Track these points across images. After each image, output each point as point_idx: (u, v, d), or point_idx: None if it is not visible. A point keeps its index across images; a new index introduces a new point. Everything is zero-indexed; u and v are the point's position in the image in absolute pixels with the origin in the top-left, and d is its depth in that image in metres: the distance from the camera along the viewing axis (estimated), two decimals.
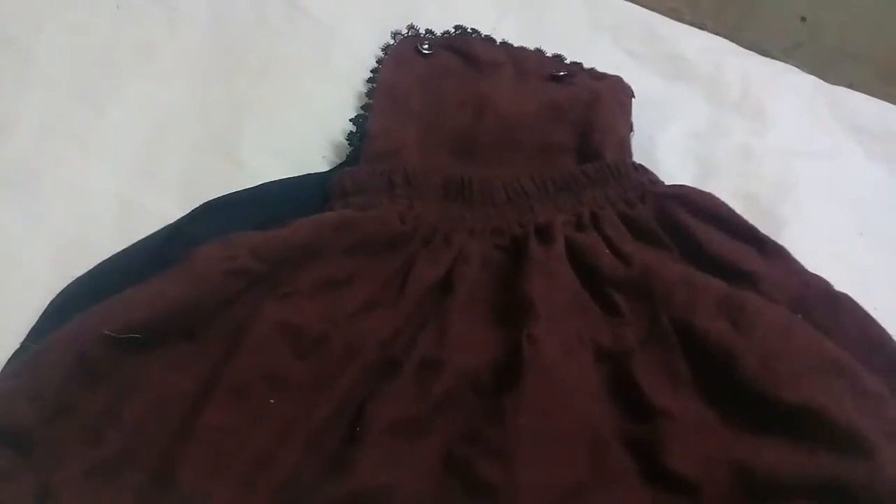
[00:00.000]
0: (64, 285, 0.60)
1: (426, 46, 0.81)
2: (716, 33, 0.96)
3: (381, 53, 0.81)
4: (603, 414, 0.57)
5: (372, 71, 0.79)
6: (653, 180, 0.72)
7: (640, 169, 0.73)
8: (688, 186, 0.72)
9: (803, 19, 1.02)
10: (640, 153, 0.77)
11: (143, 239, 0.63)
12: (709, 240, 0.66)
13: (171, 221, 0.65)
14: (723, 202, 0.70)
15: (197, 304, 0.56)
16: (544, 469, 0.52)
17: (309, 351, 0.56)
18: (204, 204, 0.65)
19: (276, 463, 0.51)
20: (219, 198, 0.66)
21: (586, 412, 0.56)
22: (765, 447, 0.54)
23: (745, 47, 0.94)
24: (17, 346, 0.56)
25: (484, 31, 0.85)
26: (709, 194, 0.70)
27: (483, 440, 0.54)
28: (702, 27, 0.97)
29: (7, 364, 0.55)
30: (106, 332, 0.52)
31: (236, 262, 0.58)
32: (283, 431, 0.52)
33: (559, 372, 0.57)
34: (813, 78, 0.90)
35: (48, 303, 0.59)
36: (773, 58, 0.93)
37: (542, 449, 0.53)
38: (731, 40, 0.94)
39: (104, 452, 0.50)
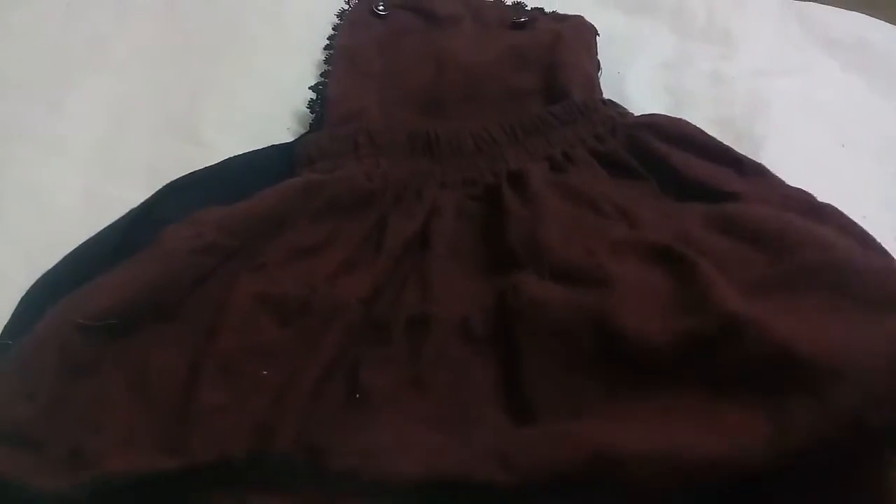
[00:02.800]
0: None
1: (381, 7, 0.80)
2: None
3: (336, 20, 0.80)
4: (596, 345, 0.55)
5: (328, 38, 0.78)
6: (622, 113, 0.70)
7: (609, 104, 0.71)
8: (658, 114, 0.71)
9: None
10: (611, 90, 0.76)
11: (110, 225, 0.61)
12: (685, 165, 0.65)
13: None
14: (695, 126, 0.68)
15: (169, 284, 0.55)
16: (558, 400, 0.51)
17: (292, 318, 0.55)
18: (168, 184, 0.64)
19: (278, 433, 0.50)
20: (183, 177, 0.64)
21: (577, 345, 0.54)
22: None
23: None
24: None
25: None
26: (680, 120, 0.69)
27: (483, 387, 0.53)
28: None
29: None
30: (81, 320, 0.52)
31: (204, 239, 0.57)
32: (278, 401, 0.51)
33: (548, 310, 0.54)
34: None
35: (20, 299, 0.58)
36: None
37: (550, 387, 0.52)
38: None
39: (112, 432, 0.50)
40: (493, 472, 0.46)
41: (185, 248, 0.56)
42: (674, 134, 0.67)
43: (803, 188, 0.65)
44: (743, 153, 0.68)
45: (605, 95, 0.74)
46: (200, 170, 0.65)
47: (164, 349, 0.54)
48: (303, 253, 0.59)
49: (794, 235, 0.56)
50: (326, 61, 0.76)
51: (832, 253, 0.53)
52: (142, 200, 0.65)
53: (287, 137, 0.72)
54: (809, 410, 0.45)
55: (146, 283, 0.55)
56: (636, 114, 0.72)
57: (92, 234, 0.63)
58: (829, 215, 0.63)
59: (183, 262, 0.56)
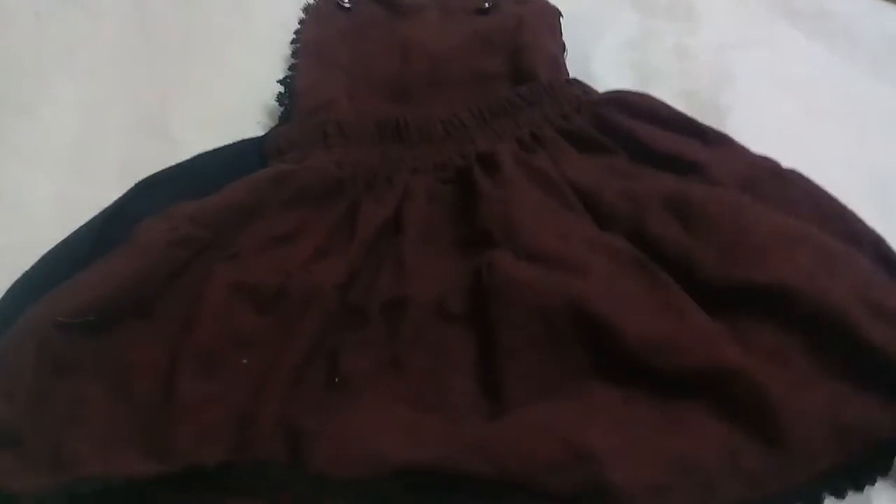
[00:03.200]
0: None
1: (346, 1, 0.80)
2: None
3: (302, 15, 0.81)
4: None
5: (295, 32, 0.79)
6: (587, 91, 0.71)
7: (574, 83, 0.72)
8: (622, 90, 0.71)
9: None
10: (577, 70, 0.77)
11: (84, 224, 0.62)
12: (650, 137, 0.66)
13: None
14: (659, 100, 0.69)
15: (145, 279, 0.56)
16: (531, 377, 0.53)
17: (268, 305, 0.56)
18: (140, 182, 0.64)
19: (259, 420, 0.51)
20: (154, 174, 0.65)
21: (551, 325, 0.55)
22: (742, 333, 0.54)
23: None
24: None
25: None
26: (644, 94, 0.70)
27: (461, 365, 0.54)
28: None
29: None
30: (59, 318, 0.52)
31: (178, 232, 0.58)
32: (259, 388, 0.52)
33: (524, 289, 0.56)
34: None
35: None
36: None
37: (521, 365, 0.53)
38: None
39: (91, 431, 0.50)
40: (474, 463, 0.48)
41: (160, 242, 0.57)
42: (638, 108, 0.68)
43: (769, 156, 0.66)
44: (709, 124, 0.69)
45: (573, 76, 0.75)
46: (172, 166, 0.66)
47: (143, 344, 0.54)
48: (276, 241, 0.60)
49: (745, 237, 0.57)
50: (293, 54, 0.77)
51: (781, 277, 0.55)
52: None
53: (258, 132, 0.73)
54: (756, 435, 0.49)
55: (123, 279, 0.55)
56: (604, 91, 0.73)
57: (65, 235, 0.64)
58: (793, 181, 0.64)
59: (158, 256, 0.57)
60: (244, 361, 0.54)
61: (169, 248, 0.57)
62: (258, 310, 0.56)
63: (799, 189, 0.63)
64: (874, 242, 0.60)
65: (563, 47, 0.79)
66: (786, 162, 0.66)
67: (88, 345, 0.53)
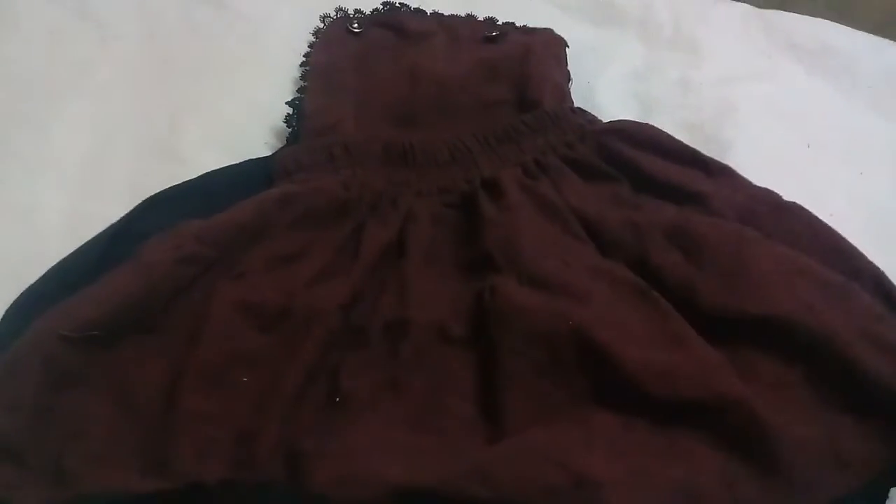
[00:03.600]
0: None
1: (356, 25, 0.82)
2: None
3: (312, 38, 0.82)
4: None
5: (304, 55, 0.80)
6: (591, 120, 0.72)
7: (578, 112, 0.73)
8: (626, 120, 0.73)
9: None
10: (582, 100, 0.78)
11: (91, 239, 0.63)
12: (653, 167, 0.67)
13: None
14: (662, 131, 0.71)
15: (150, 295, 0.56)
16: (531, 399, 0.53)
17: (271, 324, 0.57)
18: (147, 199, 0.65)
19: (260, 439, 0.51)
20: (162, 191, 0.66)
21: (552, 351, 0.55)
22: (742, 363, 0.54)
23: None
24: None
25: (413, 4, 0.86)
26: (647, 125, 0.71)
27: (461, 387, 0.54)
28: None
29: None
30: (65, 332, 0.53)
31: (184, 250, 0.58)
32: (260, 406, 0.52)
33: (526, 314, 0.56)
34: (743, 4, 0.91)
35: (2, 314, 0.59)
36: None
37: (521, 390, 0.54)
38: None
39: (92, 446, 0.50)
40: (473, 487, 0.48)
41: (166, 259, 0.58)
42: (641, 138, 0.69)
43: (771, 188, 0.67)
44: (711, 156, 0.70)
45: (578, 105, 0.76)
46: (179, 184, 0.67)
47: (147, 360, 0.55)
48: (281, 261, 0.60)
49: (746, 268, 0.58)
50: (302, 77, 0.78)
51: (781, 309, 0.55)
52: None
53: (266, 152, 0.74)
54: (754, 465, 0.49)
55: (128, 295, 0.56)
56: (607, 121, 0.74)
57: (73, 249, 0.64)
58: (794, 214, 0.65)
59: (164, 273, 0.57)
60: (245, 379, 0.54)
61: (174, 265, 0.58)
62: (261, 328, 0.57)
63: (800, 222, 0.64)
64: (874, 276, 0.60)
65: (568, 77, 0.80)
66: (787, 195, 0.66)
67: (92, 359, 0.54)
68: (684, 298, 0.58)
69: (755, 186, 0.67)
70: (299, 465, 0.50)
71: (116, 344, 0.55)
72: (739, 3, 0.91)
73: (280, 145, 0.75)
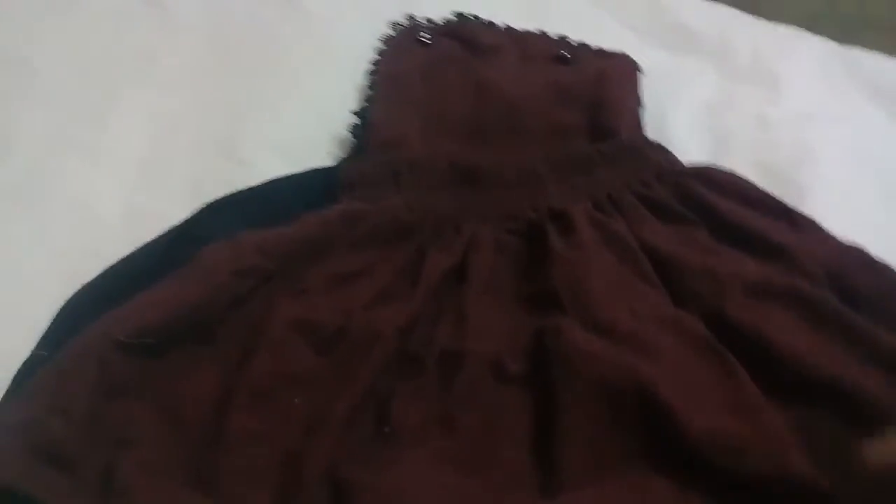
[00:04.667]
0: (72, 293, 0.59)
1: (426, 35, 0.80)
2: (731, 5, 0.93)
3: (381, 45, 0.80)
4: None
5: (372, 63, 0.78)
6: (670, 159, 0.70)
7: (657, 147, 0.71)
8: (707, 165, 0.70)
9: None
10: (653, 129, 0.76)
11: (150, 241, 0.62)
12: (736, 215, 0.65)
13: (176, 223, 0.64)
14: (745, 179, 0.68)
15: (208, 305, 0.55)
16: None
17: (327, 346, 0.55)
18: (209, 203, 0.64)
19: (307, 463, 0.50)
20: (224, 197, 0.65)
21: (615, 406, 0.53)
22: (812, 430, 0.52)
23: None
24: (27, 354, 0.55)
25: (485, 17, 0.84)
26: (730, 172, 0.69)
27: (514, 431, 0.53)
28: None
29: (19, 373, 0.54)
30: (121, 338, 0.52)
31: (245, 261, 0.57)
32: (310, 430, 0.51)
33: (591, 363, 0.54)
34: (826, 41, 0.88)
35: (57, 310, 0.58)
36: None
37: (579, 442, 0.52)
38: (747, 11, 0.92)
39: (142, 456, 0.49)
40: None
41: (227, 269, 0.56)
42: (724, 184, 0.67)
43: (854, 242, 0.64)
44: (785, 199, 0.67)
45: (648, 134, 0.74)
46: (241, 190, 0.66)
47: (200, 371, 0.54)
48: (341, 280, 0.59)
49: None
50: (370, 86, 0.76)
51: (864, 386, 0.53)
52: (181, 216, 0.65)
53: (326, 160, 0.72)
54: None
55: (186, 303, 0.55)
56: (677, 153, 0.72)
57: (130, 247, 0.63)
58: (884, 273, 0.62)
59: (223, 283, 0.56)
60: (297, 401, 0.53)
61: (234, 276, 0.56)
62: (317, 349, 0.55)
63: (890, 282, 0.61)
64: None
65: (640, 103, 0.77)
66: (863, 245, 0.64)
67: (145, 367, 0.53)
68: (761, 359, 0.55)
69: (842, 241, 0.64)
70: (344, 495, 0.49)
71: (170, 352, 0.54)
72: (822, 39, 0.88)
73: (341, 153, 0.73)
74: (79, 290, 0.59)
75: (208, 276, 0.56)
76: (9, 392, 0.53)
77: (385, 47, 0.79)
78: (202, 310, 0.55)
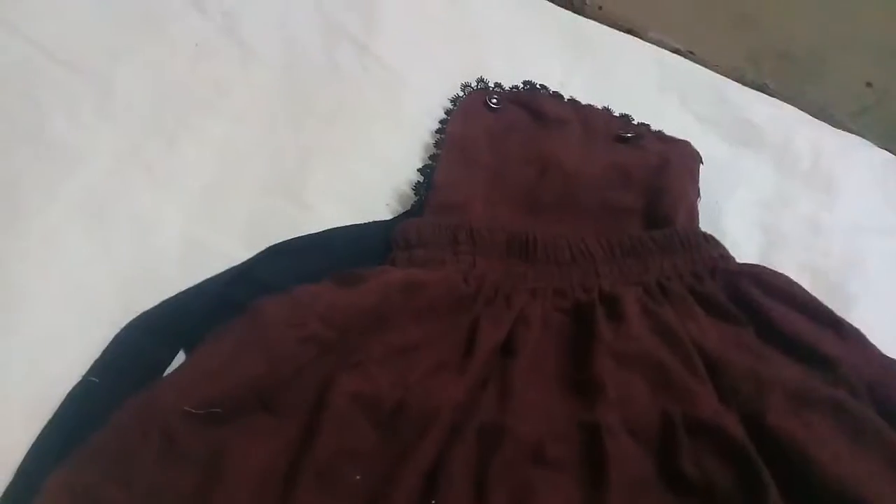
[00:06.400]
0: (127, 318, 0.60)
1: (495, 100, 0.81)
2: (778, 95, 0.95)
3: (449, 104, 0.81)
4: None
5: (441, 122, 0.80)
6: (724, 256, 0.70)
7: (711, 241, 0.71)
8: (761, 266, 0.70)
9: (869, 85, 1.00)
10: (706, 220, 0.76)
11: (209, 279, 0.63)
12: (784, 320, 0.65)
13: (235, 261, 0.65)
14: (797, 284, 0.68)
15: (271, 375, 0.55)
16: None
17: (385, 421, 0.56)
18: (270, 247, 0.65)
19: None
20: (284, 242, 0.66)
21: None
22: None
23: (810, 111, 0.92)
24: (79, 377, 0.56)
25: (552, 87, 0.85)
26: (783, 275, 0.69)
27: None
28: (762, 88, 0.96)
29: (69, 397, 0.55)
30: (188, 408, 0.52)
31: (307, 329, 0.57)
32: None
33: (633, 466, 0.55)
34: (885, 153, 0.89)
35: (112, 336, 0.59)
36: (838, 121, 0.92)
37: None
38: (795, 103, 0.93)
39: None
40: None
41: (290, 339, 0.57)
42: (776, 287, 0.67)
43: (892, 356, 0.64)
44: (832, 308, 0.68)
45: (701, 225, 0.75)
46: (302, 237, 0.67)
47: (265, 444, 0.53)
48: (400, 352, 0.59)
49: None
50: (436, 145, 0.77)
51: None
52: (236, 250, 0.67)
53: (385, 213, 0.73)
54: None
55: (251, 373, 0.55)
56: (729, 247, 0.72)
57: (185, 275, 0.64)
58: None
59: (287, 352, 0.56)
60: (357, 478, 0.53)
61: (297, 345, 0.57)
62: (374, 424, 0.55)
63: None
64: None
65: (698, 193, 0.78)
66: None
67: (209, 436, 0.52)
68: (798, 466, 0.55)
69: (887, 357, 0.64)
70: None
71: (233, 421, 0.53)
72: (882, 150, 0.89)
73: (400, 207, 0.74)
74: (135, 319, 0.60)
75: (273, 345, 0.56)
76: (57, 418, 0.53)
77: (454, 108, 0.81)
78: (266, 380, 0.55)
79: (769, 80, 0.98)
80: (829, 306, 0.68)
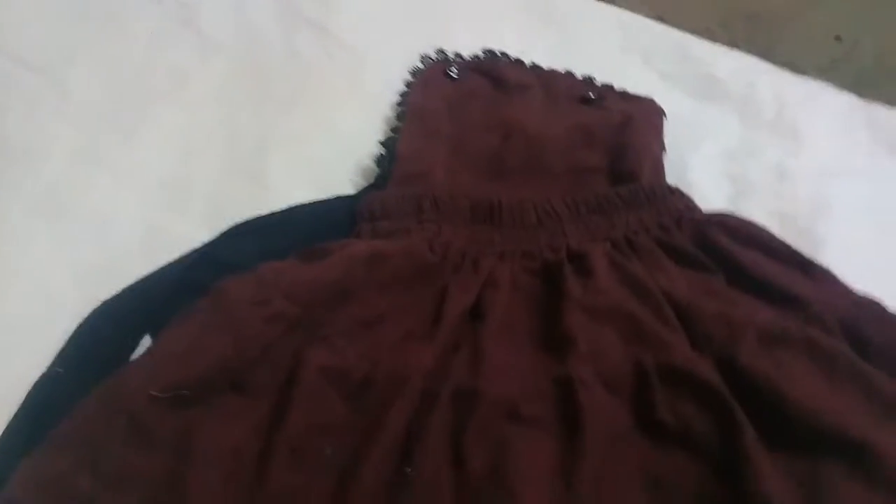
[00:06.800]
0: (90, 309, 0.60)
1: (455, 70, 0.81)
2: (749, 53, 0.94)
3: (410, 78, 0.81)
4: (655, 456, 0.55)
5: (401, 94, 0.79)
6: (690, 206, 0.70)
7: (677, 193, 0.71)
8: (728, 214, 0.70)
9: (838, 38, 1.00)
10: (673, 174, 0.76)
11: (171, 263, 0.62)
12: (753, 264, 0.65)
13: (198, 246, 0.64)
14: (765, 228, 0.68)
15: (239, 356, 0.55)
16: None
17: (354, 392, 0.56)
18: (231, 227, 0.65)
19: None
20: (246, 221, 0.65)
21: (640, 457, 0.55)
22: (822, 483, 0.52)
23: (779, 66, 0.92)
24: (43, 369, 0.56)
25: (513, 54, 0.85)
26: (750, 221, 0.69)
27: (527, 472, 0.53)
28: (734, 47, 0.96)
29: (34, 389, 0.54)
30: (154, 393, 0.51)
31: (272, 307, 0.57)
32: (342, 479, 0.51)
33: (609, 417, 0.56)
34: (849, 96, 0.88)
35: (75, 327, 0.59)
36: (807, 76, 0.92)
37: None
38: (765, 60, 0.93)
39: None
40: None
41: (255, 318, 0.56)
42: (744, 233, 0.67)
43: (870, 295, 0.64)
44: (802, 251, 0.68)
45: (668, 179, 0.74)
46: (264, 215, 0.66)
47: (234, 423, 0.53)
48: (367, 324, 0.59)
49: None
50: (397, 117, 0.77)
51: (873, 437, 0.53)
52: (202, 237, 0.66)
53: (349, 189, 0.73)
54: None
55: (218, 354, 0.55)
56: (697, 200, 0.72)
57: (149, 265, 0.64)
58: None
59: (253, 333, 0.56)
60: (328, 451, 0.53)
61: (263, 324, 0.56)
62: (345, 397, 0.55)
63: None
64: None
65: (663, 148, 0.78)
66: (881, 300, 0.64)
67: (177, 420, 0.52)
68: (772, 405, 0.55)
69: (858, 294, 0.64)
70: None
71: (202, 402, 0.53)
72: (846, 94, 0.89)
73: (363, 182, 0.74)
74: (97, 308, 0.59)
75: (239, 325, 0.56)
76: (23, 410, 0.53)
77: (414, 80, 0.80)
78: (233, 360, 0.55)
79: (740, 40, 0.98)
80: (800, 249, 0.68)
